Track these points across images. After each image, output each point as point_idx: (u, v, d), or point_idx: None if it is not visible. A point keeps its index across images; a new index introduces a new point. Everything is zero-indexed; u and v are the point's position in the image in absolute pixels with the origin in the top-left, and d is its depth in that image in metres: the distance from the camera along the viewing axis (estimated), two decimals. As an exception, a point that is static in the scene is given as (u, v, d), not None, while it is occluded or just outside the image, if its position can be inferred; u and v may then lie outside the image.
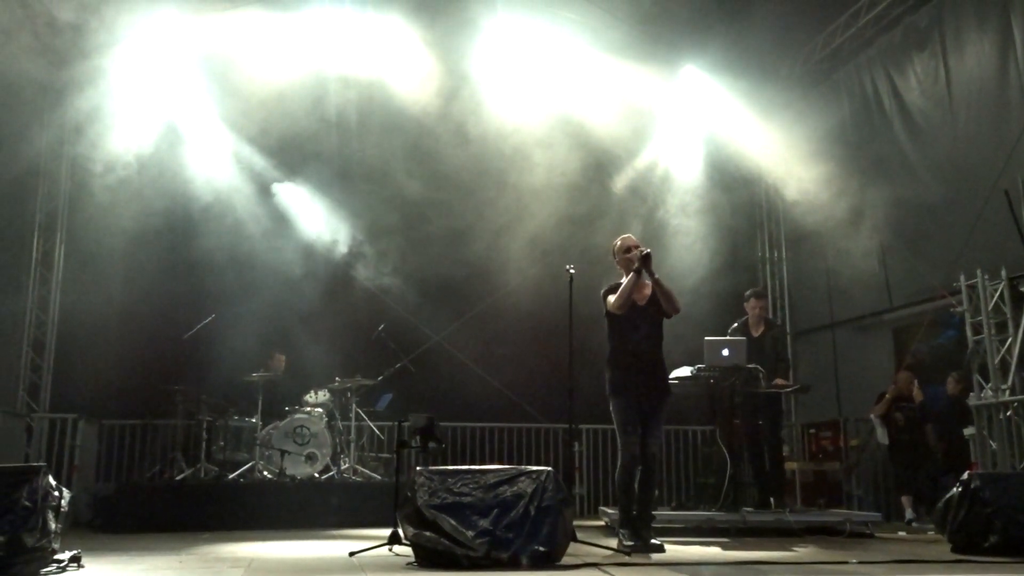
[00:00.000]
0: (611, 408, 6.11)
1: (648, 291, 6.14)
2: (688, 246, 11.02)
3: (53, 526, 4.56)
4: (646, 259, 6.02)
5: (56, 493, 4.64)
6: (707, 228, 11.19)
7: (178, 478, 8.78)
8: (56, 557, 4.64)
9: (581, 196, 10.58)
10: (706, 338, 7.79)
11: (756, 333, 8.29)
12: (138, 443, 9.88)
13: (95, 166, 9.56)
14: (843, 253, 10.09)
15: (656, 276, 6.06)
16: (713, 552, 6.12)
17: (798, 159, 10.20)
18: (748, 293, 8.54)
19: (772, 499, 7.88)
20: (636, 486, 6.04)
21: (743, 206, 11.93)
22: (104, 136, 9.50)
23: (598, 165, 10.95)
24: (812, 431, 10.70)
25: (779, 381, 8.03)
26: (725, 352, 7.67)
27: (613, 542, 6.09)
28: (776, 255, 12.25)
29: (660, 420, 6.09)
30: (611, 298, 6.10)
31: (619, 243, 6.29)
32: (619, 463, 5.98)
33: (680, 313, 6.15)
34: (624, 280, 6.10)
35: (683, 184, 11.30)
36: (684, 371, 7.81)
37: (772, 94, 10.56)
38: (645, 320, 6.11)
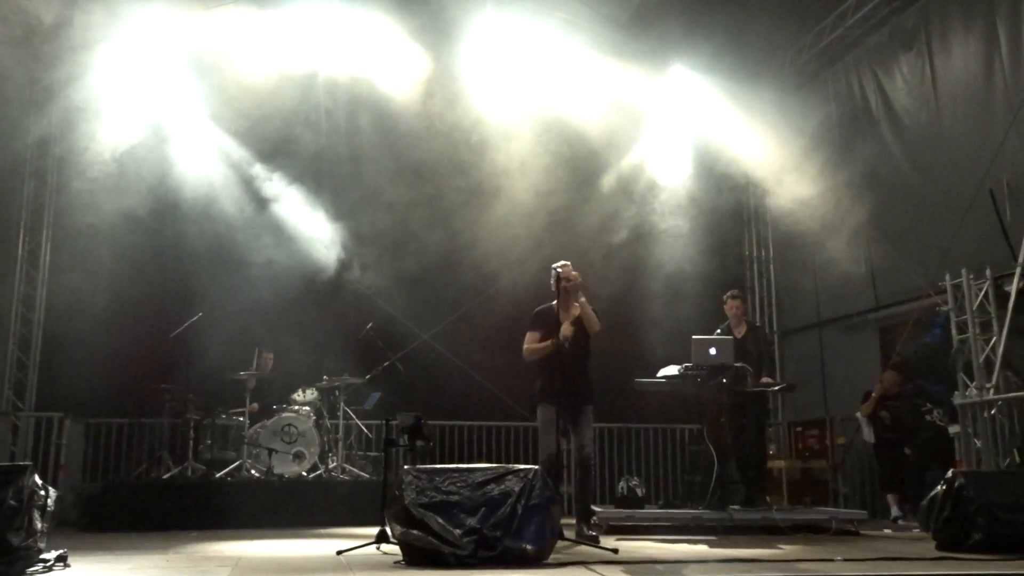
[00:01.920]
0: (537, 413, 6.51)
1: (575, 311, 6.51)
2: (675, 246, 11.05)
3: (39, 525, 4.55)
4: (562, 283, 6.36)
5: (42, 492, 4.63)
6: (694, 227, 11.22)
7: (165, 477, 8.76)
8: (42, 557, 4.63)
9: (569, 195, 10.59)
10: (694, 337, 7.83)
11: (739, 334, 8.36)
12: (125, 442, 9.85)
13: (82, 164, 9.52)
14: (830, 253, 10.15)
15: (582, 299, 6.48)
16: (700, 550, 6.15)
17: (785, 159, 10.25)
18: (726, 296, 8.59)
19: (758, 497, 7.92)
20: (574, 484, 6.57)
21: (730, 205, 11.97)
22: (91, 133, 9.47)
23: (586, 164, 10.96)
24: (799, 429, 10.75)
25: (766, 379, 8.08)
26: (712, 351, 7.70)
27: (601, 540, 6.12)
28: (763, 254, 12.31)
29: (588, 424, 6.50)
30: (530, 336, 6.56)
31: (558, 269, 6.49)
32: (542, 459, 6.30)
33: (599, 332, 6.56)
34: (555, 302, 6.45)
35: (670, 183, 11.32)
36: (672, 370, 7.84)
37: (760, 93, 10.60)
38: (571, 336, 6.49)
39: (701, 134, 11.23)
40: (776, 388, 8.35)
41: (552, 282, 6.45)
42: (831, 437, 10.11)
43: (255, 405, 9.39)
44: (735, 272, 12.02)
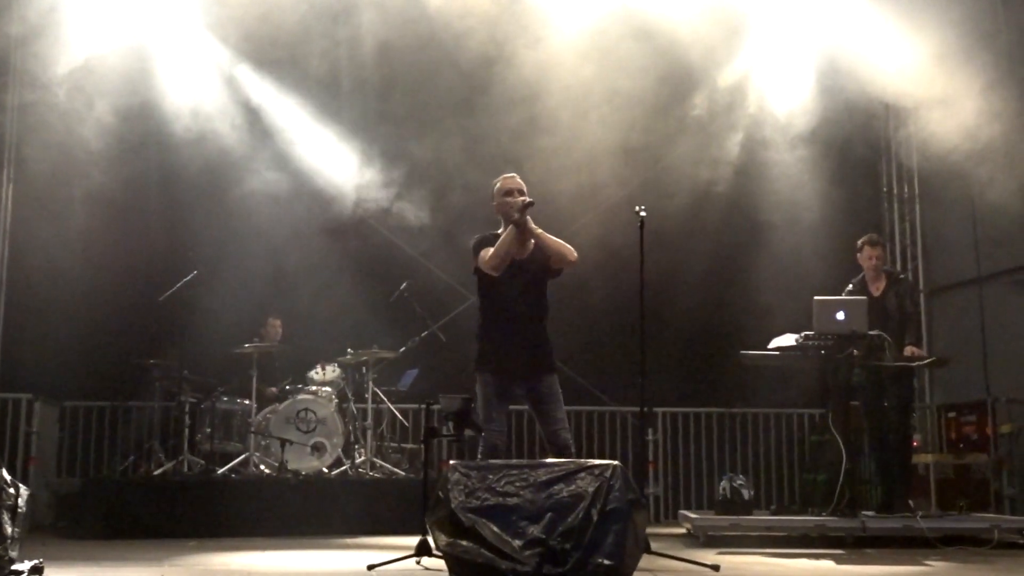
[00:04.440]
0: (476, 386, 6.16)
1: (530, 245, 6.15)
2: (789, 184, 10.88)
3: (9, 530, 4.67)
4: (524, 210, 6.03)
5: (11, 491, 4.76)
6: (815, 158, 11.02)
7: (156, 472, 8.95)
8: (14, 568, 4.74)
9: (653, 118, 10.46)
10: (815, 298, 7.73)
11: (876, 292, 8.21)
12: (107, 430, 10.10)
13: (48, 89, 9.62)
14: (995, 188, 9.87)
15: (538, 230, 6.08)
16: (825, 567, 6.13)
17: (936, 69, 9.95)
18: (860, 242, 8.44)
19: (898, 501, 7.85)
20: None
21: (863, 130, 11.70)
22: (61, 45, 9.51)
23: (675, 78, 10.79)
24: (951, 415, 10.62)
25: (910, 351, 7.95)
26: (840, 316, 7.60)
27: (696, 554, 6.12)
28: (907, 191, 12.06)
29: (557, 399, 6.13)
30: (485, 252, 6.13)
31: (498, 184, 6.25)
32: (480, 452, 6.04)
33: (575, 263, 6.13)
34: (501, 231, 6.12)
35: (784, 102, 11.10)
36: (787, 340, 7.77)
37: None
38: (524, 280, 6.15)
39: (824, 37, 10.93)
40: (924, 362, 8.22)
41: (495, 202, 6.18)
42: (993, 425, 9.96)
43: (273, 389, 9.55)
44: (869, 215, 11.80)
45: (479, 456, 5.94)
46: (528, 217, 6.04)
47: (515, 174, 6.27)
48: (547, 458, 5.76)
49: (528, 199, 6.08)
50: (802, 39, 11.08)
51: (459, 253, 10.59)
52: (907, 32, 10.18)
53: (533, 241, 6.12)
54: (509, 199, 6.10)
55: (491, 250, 6.08)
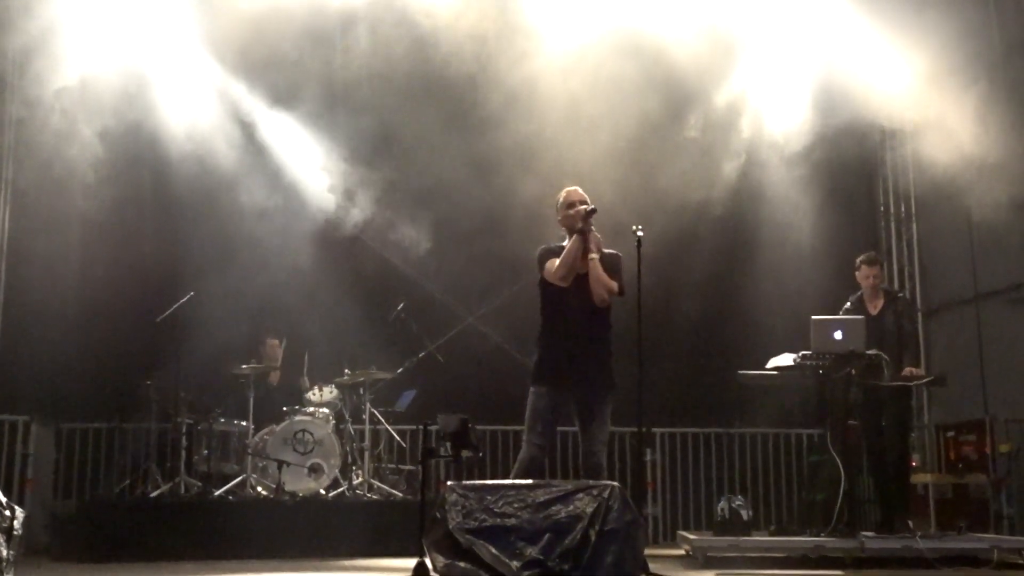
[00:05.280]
0: (528, 396, 6.17)
1: (591, 263, 6.19)
2: (786, 201, 10.90)
3: (4, 552, 4.66)
4: (588, 218, 6.12)
5: (7, 512, 4.75)
6: (811, 176, 11.05)
7: (152, 494, 8.92)
8: (9, 591, 4.76)
9: (649, 136, 10.48)
10: (813, 317, 7.74)
11: (874, 310, 8.23)
12: (104, 451, 10.07)
13: (44, 108, 9.64)
14: (992, 205, 9.89)
15: (595, 255, 6.13)
16: (823, 588, 6.12)
17: (931, 89, 10.00)
18: (859, 260, 8.47)
19: (897, 521, 7.83)
20: None
21: (859, 150, 11.73)
22: (60, 65, 9.53)
23: (673, 98, 10.81)
24: (950, 434, 10.60)
25: (908, 371, 7.96)
26: (838, 335, 7.61)
27: (695, 575, 6.10)
28: (903, 210, 12.07)
29: (604, 422, 6.13)
30: (551, 263, 6.19)
31: (562, 197, 6.34)
32: (517, 461, 6.05)
33: (622, 296, 6.21)
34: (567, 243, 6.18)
35: (780, 121, 11.13)
36: (785, 359, 7.78)
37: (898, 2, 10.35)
38: (588, 294, 6.15)
39: (819, 54, 10.96)
40: (922, 381, 8.22)
41: (559, 215, 6.31)
42: (992, 444, 9.94)
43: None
44: (866, 234, 11.82)
45: (513, 470, 5.94)
46: (594, 231, 6.13)
47: (577, 187, 6.37)
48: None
49: (591, 206, 6.17)
50: (798, 59, 11.11)
51: (456, 273, 10.66)
52: (902, 51, 10.23)
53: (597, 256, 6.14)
54: (571, 211, 6.20)
55: (557, 261, 6.14)
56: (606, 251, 6.25)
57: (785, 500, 10.75)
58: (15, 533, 4.79)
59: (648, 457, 10.44)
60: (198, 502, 8.68)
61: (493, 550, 4.88)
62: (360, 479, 9.27)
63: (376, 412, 9.56)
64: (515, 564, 4.83)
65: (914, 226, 12.01)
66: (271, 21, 9.64)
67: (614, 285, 6.15)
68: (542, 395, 6.10)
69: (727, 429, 10.86)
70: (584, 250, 6.14)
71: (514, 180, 10.16)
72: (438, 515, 5.15)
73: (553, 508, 5.01)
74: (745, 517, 8.07)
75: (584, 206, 6.18)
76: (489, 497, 5.08)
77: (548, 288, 6.24)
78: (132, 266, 9.99)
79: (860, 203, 12.02)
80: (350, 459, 9.44)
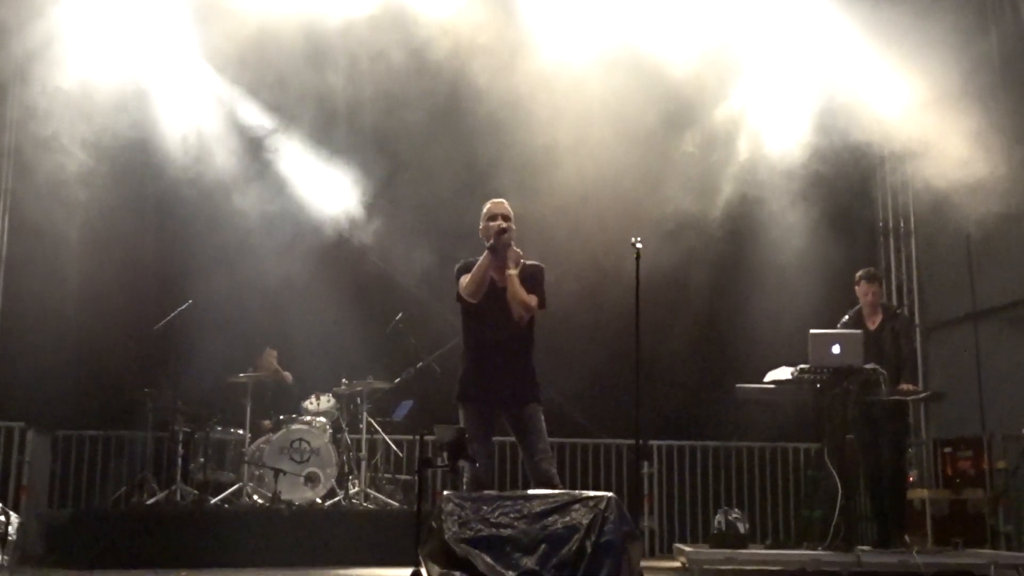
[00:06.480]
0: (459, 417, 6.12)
1: (509, 279, 6.06)
2: (784, 216, 10.91)
3: (-2, 559, 4.66)
4: (500, 235, 6.00)
5: (1, 519, 4.75)
6: (810, 192, 11.05)
7: (148, 503, 8.93)
8: (2, 597, 4.75)
9: (647, 152, 10.50)
10: (811, 331, 7.72)
11: (872, 325, 8.23)
12: (100, 459, 10.08)
13: (45, 121, 9.65)
14: (990, 223, 9.91)
15: (513, 270, 5.99)
16: (819, 602, 6.10)
17: (930, 108, 10.02)
18: (859, 275, 8.47)
19: (894, 536, 7.83)
20: None
21: (857, 164, 11.74)
22: (59, 75, 9.55)
23: (674, 115, 10.83)
24: (947, 450, 10.57)
25: (905, 387, 7.96)
26: (835, 349, 7.59)
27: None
28: (902, 226, 12.09)
29: (539, 431, 6.08)
30: (464, 278, 6.11)
31: (486, 207, 6.23)
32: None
33: (543, 310, 6.11)
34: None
35: (780, 139, 11.13)
36: (783, 373, 7.77)
37: (895, 17, 10.37)
38: (506, 309, 6.05)
39: (817, 71, 10.99)
40: (920, 397, 8.21)
41: (481, 225, 6.17)
42: (990, 460, 9.93)
43: (268, 422, 9.52)
44: (864, 250, 11.82)
45: (463, 488, 5.91)
46: (512, 246, 6.01)
47: (503, 200, 6.24)
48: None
49: (505, 225, 6.03)
50: (798, 78, 11.12)
51: (453, 285, 10.63)
52: (900, 70, 10.26)
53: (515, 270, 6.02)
54: (492, 223, 6.09)
55: (467, 277, 6.07)
56: (529, 263, 6.12)
57: (782, 514, 10.74)
58: (9, 539, 4.79)
59: (645, 470, 10.44)
60: (194, 511, 8.68)
61: (489, 560, 4.87)
62: (357, 489, 9.27)
63: (373, 422, 9.59)
64: (511, 574, 4.82)
65: (912, 243, 12.03)
66: (271, 33, 9.68)
67: (532, 301, 6.02)
68: (471, 412, 6.07)
69: (724, 442, 10.86)
70: (500, 267, 6.04)
71: (513, 195, 10.15)
72: (434, 525, 5.14)
73: (549, 519, 5.00)
74: (742, 530, 8.06)
75: (498, 222, 6.05)
76: (485, 507, 5.07)
77: (465, 304, 6.15)
78: (130, 274, 9.99)
79: (858, 220, 12.02)
80: (347, 468, 9.44)
